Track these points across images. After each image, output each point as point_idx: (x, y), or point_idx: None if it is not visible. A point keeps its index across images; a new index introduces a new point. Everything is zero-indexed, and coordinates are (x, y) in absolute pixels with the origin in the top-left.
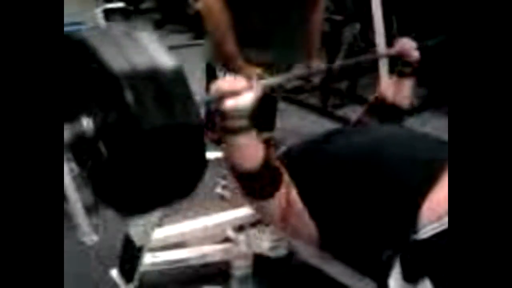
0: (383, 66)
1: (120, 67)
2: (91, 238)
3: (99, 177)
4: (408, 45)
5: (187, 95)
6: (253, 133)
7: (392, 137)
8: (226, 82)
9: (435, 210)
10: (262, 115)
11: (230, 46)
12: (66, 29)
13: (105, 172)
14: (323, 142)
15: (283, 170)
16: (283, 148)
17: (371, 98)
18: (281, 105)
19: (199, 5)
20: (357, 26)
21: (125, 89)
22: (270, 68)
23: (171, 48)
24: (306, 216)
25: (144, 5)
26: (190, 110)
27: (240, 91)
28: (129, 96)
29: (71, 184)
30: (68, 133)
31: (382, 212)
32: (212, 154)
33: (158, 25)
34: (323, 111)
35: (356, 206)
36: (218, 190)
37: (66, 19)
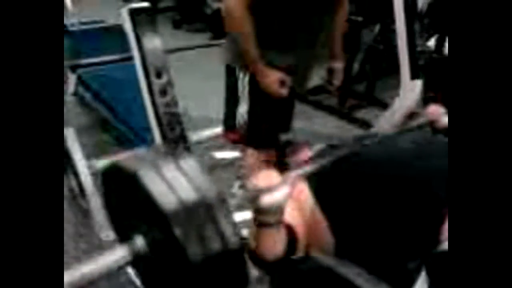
0: (405, 70)
1: (169, 204)
2: (107, 234)
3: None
4: (436, 113)
5: (229, 221)
6: (282, 228)
7: (418, 147)
8: (262, 179)
9: None
10: (278, 116)
11: (252, 49)
12: (88, 27)
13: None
14: (347, 151)
15: (299, 229)
16: (303, 153)
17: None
18: (298, 106)
19: (222, 8)
20: (377, 27)
21: (173, 225)
22: (291, 71)
23: (190, 48)
24: (325, 229)
25: (162, 4)
26: (232, 236)
27: (276, 187)
28: (177, 232)
29: (89, 181)
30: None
31: (407, 223)
32: (229, 154)
33: (176, 25)
34: (340, 113)
35: (381, 216)
36: (235, 190)
37: (89, 18)
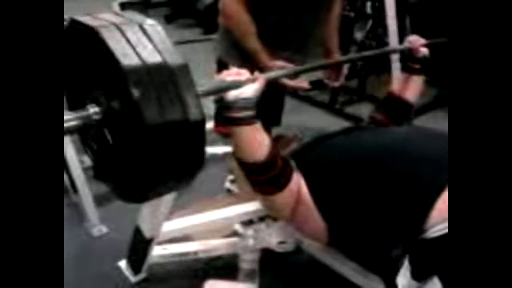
0: (395, 65)
1: (129, 62)
2: (99, 229)
3: (103, 160)
4: (417, 42)
5: (192, 91)
6: (258, 124)
7: (406, 137)
8: (229, 74)
9: (446, 210)
10: (269, 109)
11: (253, 43)
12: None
13: (109, 156)
14: (335, 140)
15: (293, 165)
16: (293, 146)
17: (381, 96)
18: (291, 102)
19: (220, 6)
20: (369, 23)
21: (132, 85)
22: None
23: (181, 42)
24: (315, 213)
25: None
26: (194, 106)
27: (244, 83)
28: (135, 93)
29: (81, 176)
30: (75, 118)
31: (393, 211)
32: (220, 149)
33: (168, 20)
34: (332, 109)
35: (367, 204)
36: (227, 184)
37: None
